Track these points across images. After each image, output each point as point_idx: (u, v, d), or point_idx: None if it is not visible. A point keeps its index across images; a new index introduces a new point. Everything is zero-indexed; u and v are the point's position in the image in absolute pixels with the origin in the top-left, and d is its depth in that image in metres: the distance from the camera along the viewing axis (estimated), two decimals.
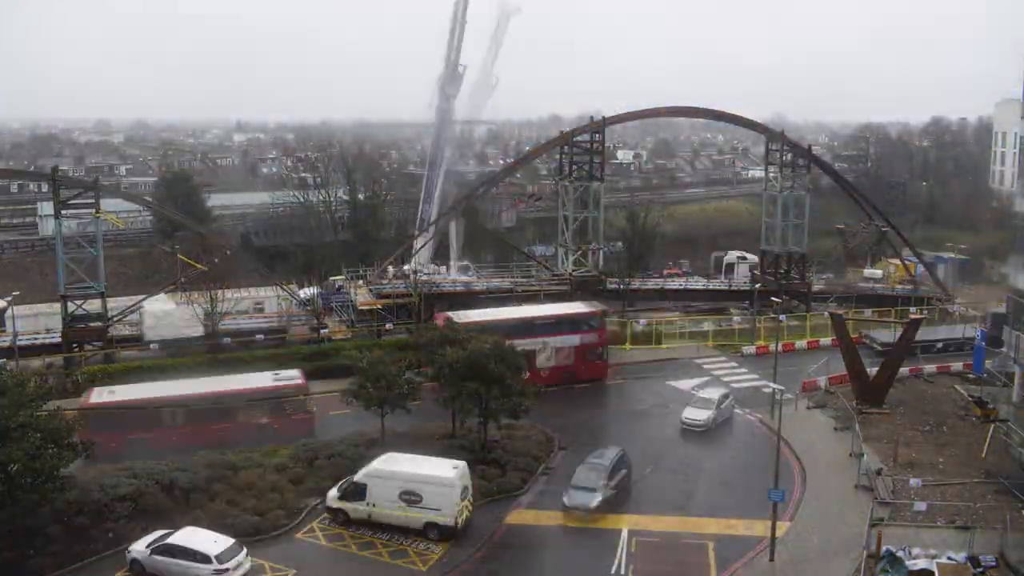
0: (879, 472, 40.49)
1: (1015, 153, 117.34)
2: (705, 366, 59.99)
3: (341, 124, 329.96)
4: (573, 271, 72.58)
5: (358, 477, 36.04)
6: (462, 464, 36.40)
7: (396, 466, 36.15)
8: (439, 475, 35.04)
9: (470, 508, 35.96)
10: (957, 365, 58.43)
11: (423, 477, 35.07)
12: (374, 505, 35.47)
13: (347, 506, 35.91)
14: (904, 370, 54.20)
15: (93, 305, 58.81)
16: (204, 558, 31.57)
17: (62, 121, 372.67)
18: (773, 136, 79.76)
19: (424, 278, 67.02)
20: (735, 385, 55.66)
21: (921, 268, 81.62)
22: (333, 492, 36.65)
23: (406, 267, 71.30)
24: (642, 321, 68.85)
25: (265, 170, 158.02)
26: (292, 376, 47.23)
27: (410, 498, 34.96)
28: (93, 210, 58.62)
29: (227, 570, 31.53)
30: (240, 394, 44.97)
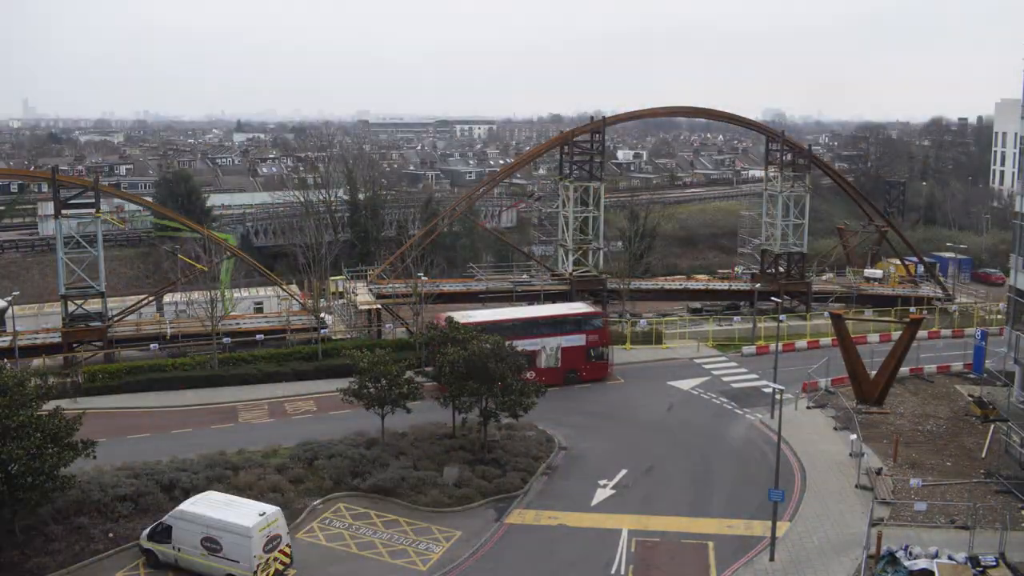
0: (879, 472, 40.52)
1: (1015, 153, 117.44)
2: (705, 366, 60.01)
3: (342, 123, 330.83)
4: (573, 271, 72.57)
5: (166, 518, 32.88)
6: (272, 511, 32.26)
7: (201, 508, 32.47)
8: (237, 523, 31.18)
9: (285, 560, 32.02)
10: (957, 365, 58.47)
11: (222, 524, 31.39)
12: (179, 550, 32.09)
13: (156, 547, 32.60)
14: (904, 370, 54.23)
15: (93, 305, 58.89)
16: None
17: (62, 121, 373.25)
18: (773, 136, 79.86)
19: None
20: (735, 385, 55.73)
21: (921, 269, 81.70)
22: (146, 531, 33.26)
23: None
24: (642, 321, 68.92)
25: (265, 170, 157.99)
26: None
27: (211, 546, 31.45)
28: (93, 210, 58.69)
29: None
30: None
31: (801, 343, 65.05)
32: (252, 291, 70.57)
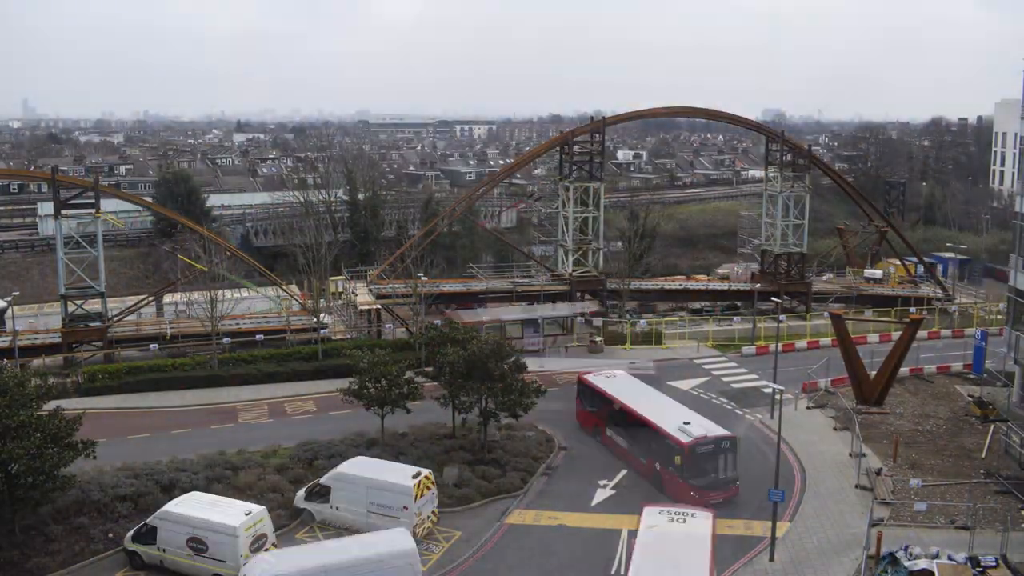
0: (879, 472, 40.52)
1: (1015, 153, 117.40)
2: (705, 366, 60.00)
3: (342, 123, 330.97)
4: (573, 271, 72.57)
5: (151, 519, 32.83)
6: (257, 510, 32.67)
7: (186, 509, 32.49)
8: (223, 522, 31.32)
9: None
10: (957, 365, 58.45)
11: (208, 524, 31.47)
12: (165, 551, 32.05)
13: (141, 549, 32.50)
14: (904, 370, 54.22)
15: (93, 305, 58.87)
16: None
17: (62, 121, 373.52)
18: (773, 136, 79.88)
19: None
20: (735, 385, 55.71)
21: (921, 269, 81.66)
22: (130, 533, 33.27)
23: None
24: (642, 321, 68.92)
25: (265, 170, 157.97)
26: None
27: (197, 546, 31.52)
28: (93, 210, 58.67)
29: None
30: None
31: (801, 343, 65.03)
32: (252, 292, 70.44)
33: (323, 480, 36.09)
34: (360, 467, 36.09)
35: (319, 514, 35.81)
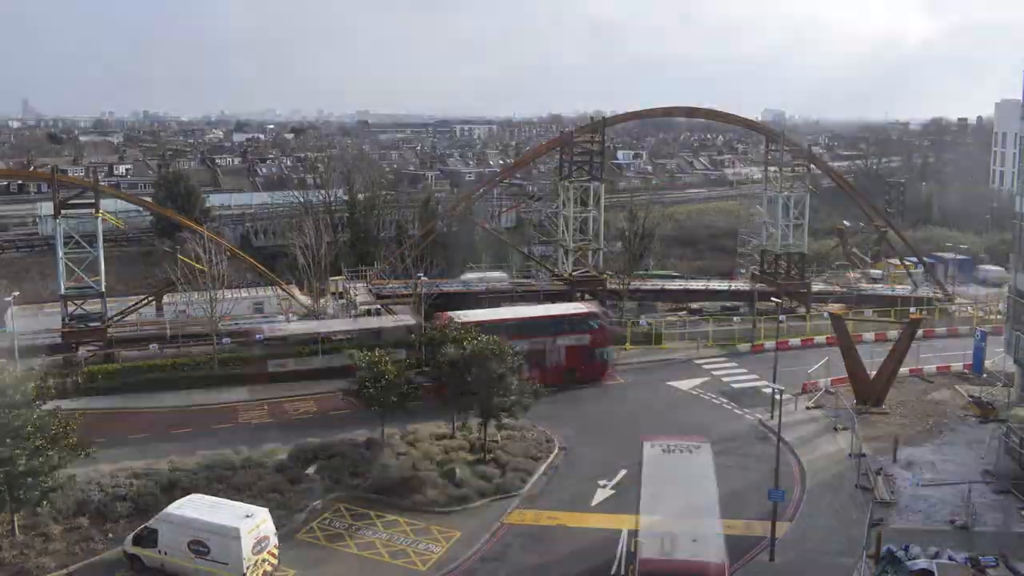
0: (879, 472, 40.52)
1: (1015, 153, 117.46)
2: (705, 366, 59.97)
3: (342, 123, 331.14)
4: (573, 271, 72.56)
5: (151, 522, 32.55)
6: (259, 512, 32.36)
7: (188, 511, 32.26)
8: (226, 524, 31.02)
9: (273, 561, 31.98)
10: (957, 365, 58.43)
11: (210, 526, 31.21)
12: (166, 554, 31.74)
13: (141, 552, 32.15)
14: (904, 370, 54.20)
15: (93, 305, 58.83)
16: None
17: (62, 121, 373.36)
18: (773, 136, 79.85)
19: None
20: (735, 385, 55.68)
21: (921, 268, 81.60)
22: (130, 536, 32.91)
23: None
24: (642, 321, 68.86)
25: (264, 170, 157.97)
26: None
27: (198, 548, 31.14)
28: (93, 210, 58.64)
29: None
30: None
31: (795, 342, 64.75)
32: (252, 291, 70.43)
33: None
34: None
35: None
